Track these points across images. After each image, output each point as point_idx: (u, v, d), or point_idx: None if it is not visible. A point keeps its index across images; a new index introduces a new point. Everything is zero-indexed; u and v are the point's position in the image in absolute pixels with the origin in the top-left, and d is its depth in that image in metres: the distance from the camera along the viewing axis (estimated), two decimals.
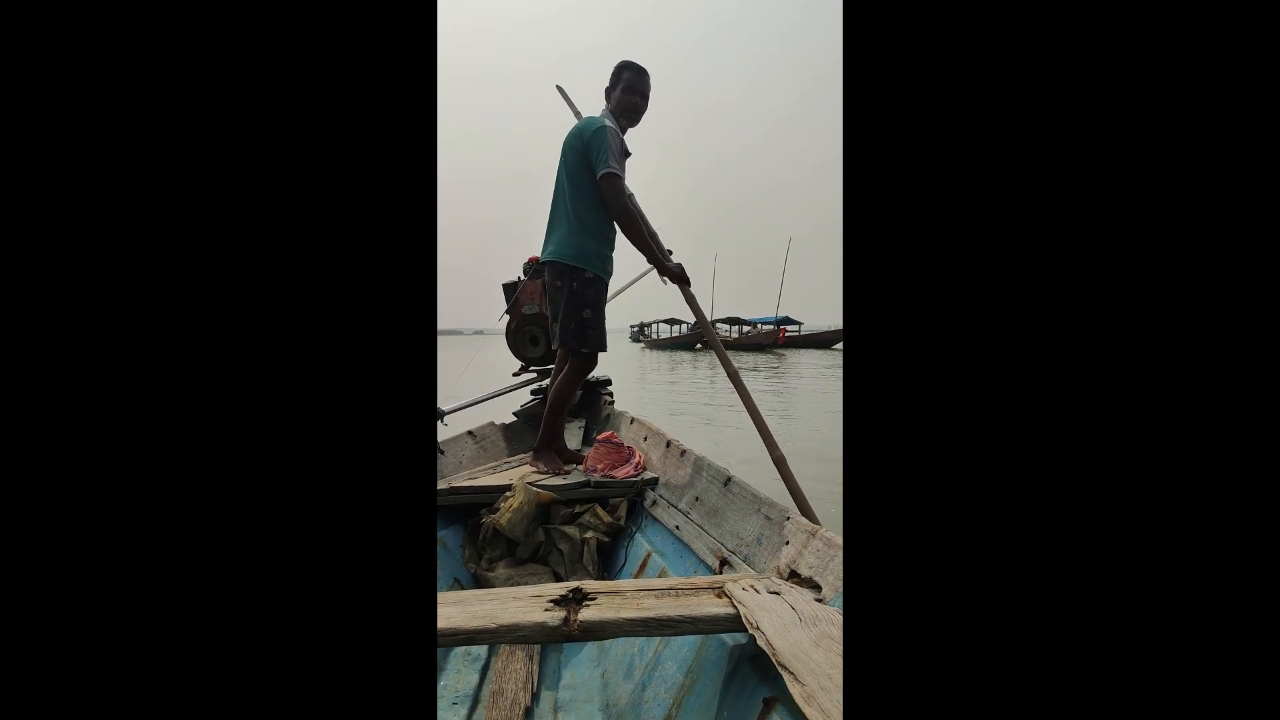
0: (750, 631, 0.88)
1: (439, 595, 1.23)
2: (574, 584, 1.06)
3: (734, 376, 1.87)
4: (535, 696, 1.35)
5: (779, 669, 0.76)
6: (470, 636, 0.95)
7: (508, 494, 1.87)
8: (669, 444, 2.07)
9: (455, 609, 1.00)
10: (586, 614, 0.97)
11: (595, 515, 1.87)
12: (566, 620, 0.95)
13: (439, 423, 2.52)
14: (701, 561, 1.43)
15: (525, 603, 1.02)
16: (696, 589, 1.04)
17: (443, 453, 2.34)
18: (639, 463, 2.09)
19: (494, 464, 2.41)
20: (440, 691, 1.36)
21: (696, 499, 1.65)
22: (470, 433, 2.59)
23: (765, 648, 0.82)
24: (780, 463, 1.61)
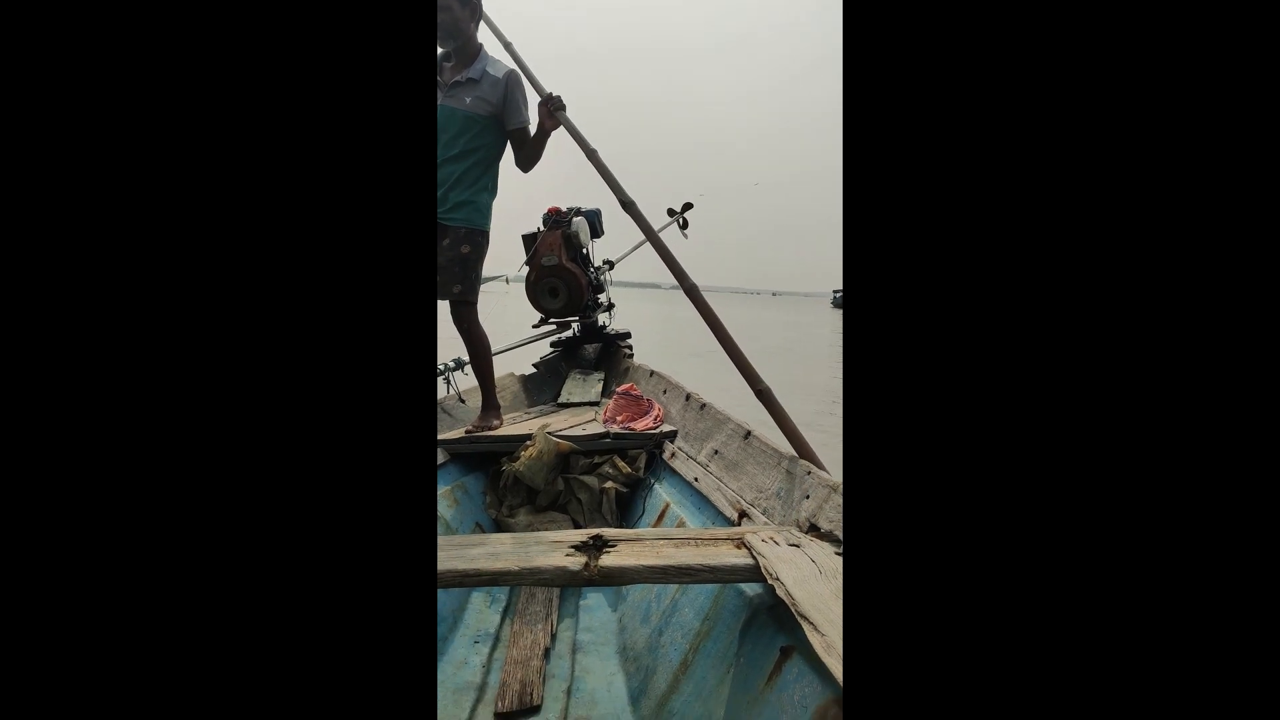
0: (769, 582, 0.88)
1: (463, 538, 1.26)
2: (595, 531, 1.08)
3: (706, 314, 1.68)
4: (554, 638, 1.39)
5: (798, 619, 0.77)
6: (493, 578, 0.97)
7: (527, 443, 1.89)
8: (689, 397, 2.08)
9: (479, 550, 1.03)
10: (606, 560, 0.98)
11: (614, 466, 1.89)
12: (586, 565, 0.97)
13: (460, 371, 2.54)
14: (720, 514, 1.44)
15: (547, 547, 1.03)
16: (715, 539, 1.05)
17: (464, 401, 2.37)
18: (658, 415, 2.10)
19: (514, 415, 2.44)
20: (463, 630, 1.41)
21: (716, 452, 1.65)
22: None
23: (785, 597, 0.82)
24: (765, 395, 1.48)
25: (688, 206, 3.81)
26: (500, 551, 1.02)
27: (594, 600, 1.55)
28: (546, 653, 1.33)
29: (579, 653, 1.35)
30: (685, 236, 3.86)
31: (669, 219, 3.83)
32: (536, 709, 1.15)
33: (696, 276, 1.68)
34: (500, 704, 1.15)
